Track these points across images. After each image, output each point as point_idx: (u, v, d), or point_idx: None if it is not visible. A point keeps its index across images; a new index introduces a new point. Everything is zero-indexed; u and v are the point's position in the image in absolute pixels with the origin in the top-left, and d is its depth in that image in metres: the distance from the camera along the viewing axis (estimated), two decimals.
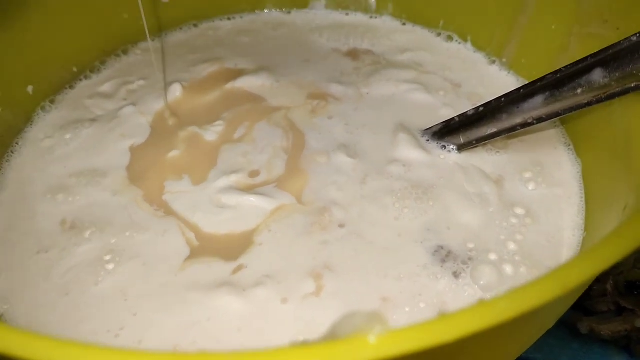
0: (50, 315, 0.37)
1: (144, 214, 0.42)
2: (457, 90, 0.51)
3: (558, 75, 0.39)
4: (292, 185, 0.44)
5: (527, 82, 0.50)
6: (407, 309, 0.36)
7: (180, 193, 0.44)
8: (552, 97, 0.40)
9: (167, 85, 0.53)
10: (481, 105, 0.43)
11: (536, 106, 0.40)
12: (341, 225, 0.41)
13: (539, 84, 0.40)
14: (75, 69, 0.54)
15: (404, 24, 0.60)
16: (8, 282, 0.39)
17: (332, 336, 0.22)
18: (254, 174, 0.45)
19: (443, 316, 0.19)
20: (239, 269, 0.38)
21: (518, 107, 0.41)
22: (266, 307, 0.36)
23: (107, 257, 0.39)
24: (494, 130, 0.43)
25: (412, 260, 0.38)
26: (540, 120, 0.40)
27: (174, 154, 0.47)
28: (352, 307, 0.36)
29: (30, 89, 0.50)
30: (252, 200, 0.42)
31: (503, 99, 0.42)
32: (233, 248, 0.40)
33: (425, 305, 0.36)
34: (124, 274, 0.39)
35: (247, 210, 0.42)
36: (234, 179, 0.44)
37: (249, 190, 0.43)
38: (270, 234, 0.41)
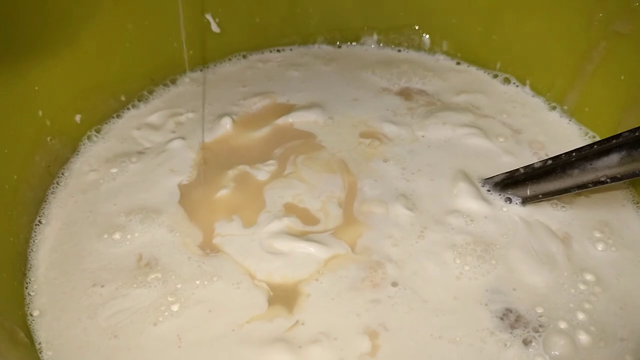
0: (99, 354, 0.36)
1: (211, 259, 0.41)
2: (517, 136, 0.49)
3: (636, 134, 0.37)
4: (346, 235, 0.42)
5: (590, 131, 0.50)
6: None
7: (230, 236, 0.42)
8: (629, 156, 0.37)
9: (217, 118, 0.52)
10: (550, 159, 0.41)
11: (611, 164, 0.38)
12: (394, 284, 0.39)
13: (614, 141, 0.38)
14: (123, 98, 0.54)
15: (458, 64, 0.58)
16: (55, 322, 0.38)
17: None
18: (306, 219, 0.43)
19: None
20: (294, 324, 0.36)
21: (591, 164, 0.39)
22: None
23: (172, 299, 0.38)
24: (563, 185, 0.40)
25: (476, 323, 0.36)
26: (615, 179, 0.38)
27: (223, 193, 0.45)
28: None
29: (78, 117, 0.49)
30: (306, 247, 0.40)
31: (574, 154, 0.40)
32: (286, 299, 0.38)
33: None
34: (186, 318, 0.37)
35: (299, 258, 0.40)
36: (286, 223, 0.42)
37: (301, 236, 0.42)
38: (320, 285, 0.39)
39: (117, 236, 0.42)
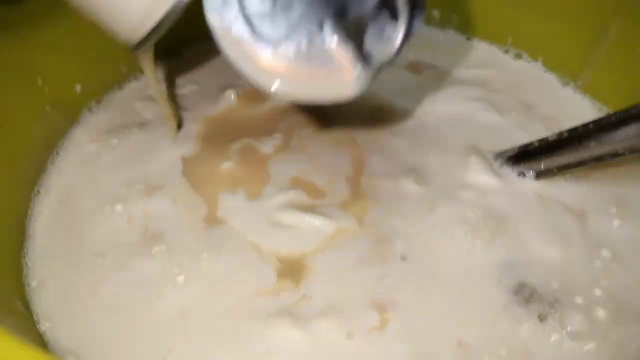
0: (100, 326, 0.35)
1: (216, 232, 0.39)
2: (529, 112, 0.48)
3: None
4: (353, 209, 0.41)
5: (605, 107, 0.48)
6: (486, 358, 0.32)
7: (235, 208, 0.41)
8: None
9: (220, 90, 0.50)
10: (565, 131, 0.40)
11: (630, 135, 0.37)
12: (403, 258, 0.38)
13: (634, 111, 0.37)
14: (124, 69, 0.52)
15: (468, 39, 0.57)
16: (53, 293, 0.37)
17: None
18: (313, 192, 0.42)
19: None
20: (301, 298, 0.35)
21: (609, 136, 0.38)
22: (329, 342, 0.33)
23: (177, 271, 0.37)
24: (579, 158, 0.39)
25: (489, 299, 0.35)
26: (633, 151, 0.37)
27: (227, 165, 0.44)
28: (424, 350, 0.33)
29: (78, 87, 0.48)
30: (313, 220, 0.39)
31: (591, 125, 0.38)
32: (293, 273, 0.37)
33: (506, 353, 0.33)
34: (192, 291, 0.36)
35: (305, 231, 0.39)
36: (292, 196, 0.41)
37: (308, 209, 0.40)
38: (326, 258, 0.38)
39: (119, 208, 0.41)
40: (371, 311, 0.35)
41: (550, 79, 0.52)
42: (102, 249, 0.39)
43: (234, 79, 0.52)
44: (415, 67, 0.53)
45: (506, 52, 0.54)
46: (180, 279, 0.37)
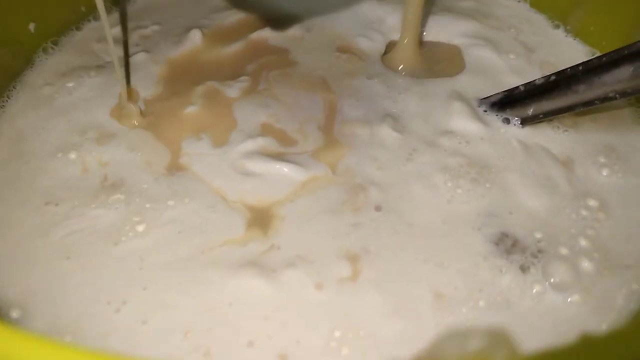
0: (48, 274, 0.32)
1: (180, 179, 0.37)
2: (529, 55, 0.45)
3: None
4: (325, 157, 0.38)
5: (597, 52, 0.46)
6: (464, 309, 0.30)
7: (199, 155, 0.38)
8: None
9: (185, 31, 0.47)
10: (553, 74, 0.37)
11: (621, 78, 0.34)
12: (377, 208, 0.35)
13: (626, 52, 0.34)
14: (83, 9, 0.48)
15: None
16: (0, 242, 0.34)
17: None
18: (282, 138, 0.39)
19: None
20: (269, 248, 0.33)
21: (599, 78, 0.35)
22: (298, 293, 0.31)
23: (137, 219, 0.34)
24: (567, 103, 0.37)
25: (468, 249, 0.33)
26: (624, 94, 0.34)
27: (191, 109, 0.41)
28: (398, 301, 0.31)
29: (32, 26, 0.44)
30: (282, 168, 0.37)
31: (581, 67, 0.36)
32: (261, 222, 0.34)
33: (485, 304, 0.31)
34: (152, 239, 0.33)
35: (274, 180, 0.36)
36: (260, 143, 0.38)
37: (277, 157, 0.38)
38: (296, 207, 0.35)
39: (72, 155, 0.38)
40: (343, 261, 0.33)
41: (541, 20, 0.49)
42: (55, 197, 0.36)
43: (200, 19, 0.49)
44: None
45: None
46: (140, 227, 0.34)
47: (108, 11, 0.49)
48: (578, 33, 0.47)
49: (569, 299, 0.31)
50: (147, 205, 0.35)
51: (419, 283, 0.32)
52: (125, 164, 0.37)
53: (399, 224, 0.34)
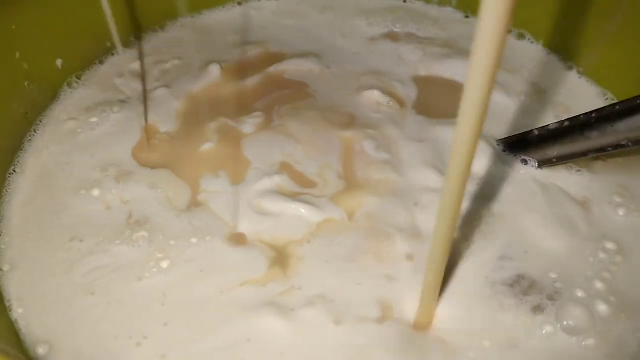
0: (73, 310, 0.33)
1: (201, 216, 0.38)
2: (540, 96, 0.46)
3: None
4: (345, 201, 0.39)
5: (608, 93, 0.46)
6: (472, 354, 0.31)
7: (216, 193, 0.39)
8: None
9: (204, 65, 0.48)
10: (566, 120, 0.38)
11: (634, 126, 0.35)
12: (409, 256, 0.35)
13: (639, 101, 0.35)
14: (108, 44, 0.50)
15: (467, 17, 0.54)
16: (26, 277, 0.35)
17: None
18: (298, 177, 0.40)
19: None
20: (289, 288, 0.34)
21: (612, 126, 0.36)
22: (316, 331, 0.32)
23: (161, 255, 0.35)
24: (580, 149, 0.37)
25: (480, 291, 0.34)
26: (637, 142, 0.35)
27: (207, 147, 0.42)
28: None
29: (59, 62, 0.46)
30: (299, 209, 0.37)
31: (594, 115, 0.36)
32: (278, 262, 0.35)
33: (490, 344, 0.31)
34: (174, 275, 0.34)
35: (291, 219, 0.37)
36: (277, 182, 0.39)
37: (294, 197, 0.38)
38: (313, 248, 0.36)
39: (95, 193, 0.39)
40: (371, 305, 0.33)
41: (554, 61, 0.49)
42: (80, 233, 0.37)
43: (219, 53, 0.50)
44: (392, 36, 0.52)
45: (509, 31, 0.52)
46: (164, 264, 0.35)
47: (129, 45, 0.51)
48: (591, 74, 0.47)
49: (584, 343, 0.32)
50: (172, 243, 0.36)
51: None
52: (147, 202, 0.38)
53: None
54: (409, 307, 0.33)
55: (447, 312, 0.33)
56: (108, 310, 0.33)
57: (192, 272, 0.35)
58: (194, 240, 0.36)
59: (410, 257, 0.35)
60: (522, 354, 0.31)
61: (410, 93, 0.47)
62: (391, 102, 0.45)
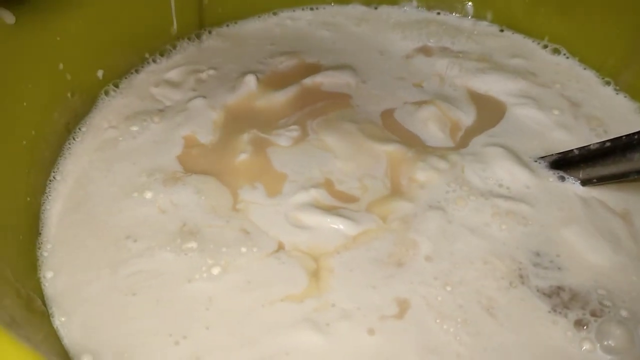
0: (111, 311, 0.34)
1: (245, 224, 0.38)
2: (575, 110, 0.46)
3: None
4: (380, 209, 0.39)
5: None
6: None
7: (255, 204, 0.39)
8: None
9: (240, 76, 0.49)
10: (608, 140, 0.37)
11: None
12: (428, 258, 0.36)
13: None
14: (147, 55, 0.50)
15: (501, 31, 0.54)
16: (69, 284, 0.36)
17: None
18: (335, 190, 0.40)
19: None
20: (323, 304, 0.34)
21: None
22: (350, 341, 0.33)
23: (211, 261, 0.36)
24: (621, 170, 0.37)
25: (519, 301, 0.34)
26: None
27: (242, 157, 0.42)
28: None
29: (100, 73, 0.46)
30: (336, 223, 0.38)
31: (636, 137, 0.36)
32: (314, 276, 0.36)
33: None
34: (225, 282, 0.35)
35: (327, 233, 0.38)
36: (313, 195, 0.40)
37: (330, 210, 0.39)
38: (345, 259, 0.36)
39: (148, 195, 0.40)
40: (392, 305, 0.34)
41: (591, 77, 0.49)
42: (135, 233, 0.38)
43: (254, 63, 0.50)
44: (425, 50, 0.52)
45: (544, 47, 0.52)
46: (215, 270, 0.36)
47: (167, 53, 0.51)
48: (628, 90, 0.47)
49: None
50: (223, 250, 0.36)
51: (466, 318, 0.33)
52: (195, 207, 0.39)
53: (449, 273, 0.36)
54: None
55: None
56: (155, 308, 0.34)
57: (240, 282, 0.35)
58: (243, 249, 0.37)
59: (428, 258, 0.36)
60: None
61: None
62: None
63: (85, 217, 0.39)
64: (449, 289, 0.35)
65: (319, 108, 0.47)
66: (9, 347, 0.20)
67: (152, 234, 0.37)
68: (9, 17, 0.36)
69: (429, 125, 0.45)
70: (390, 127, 0.45)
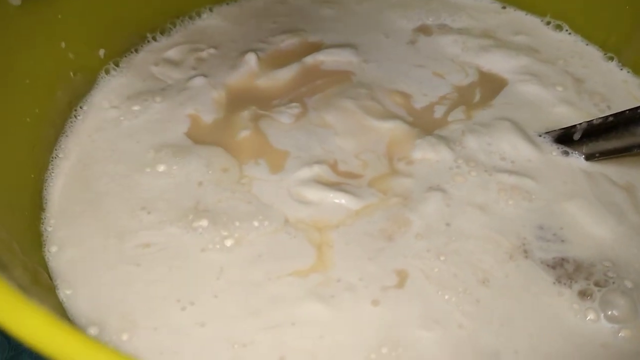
0: (117, 279, 0.35)
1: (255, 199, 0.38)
2: (579, 86, 0.46)
3: None
4: (381, 184, 0.39)
5: None
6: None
7: (258, 180, 0.40)
8: None
9: (240, 54, 0.48)
10: (611, 115, 0.37)
11: None
12: (418, 236, 0.36)
13: None
14: (148, 34, 0.50)
15: (503, 7, 0.54)
16: (74, 257, 0.36)
17: None
18: (336, 166, 0.40)
19: None
20: (327, 278, 0.35)
21: None
22: (354, 312, 0.33)
23: (225, 233, 0.36)
24: (624, 144, 0.37)
25: (521, 270, 0.35)
26: None
27: (245, 134, 0.42)
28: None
29: (101, 52, 0.46)
30: (339, 198, 0.38)
31: (639, 111, 0.36)
32: (319, 250, 0.36)
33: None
34: (237, 254, 0.36)
35: (329, 208, 0.38)
36: (316, 171, 0.40)
37: (333, 185, 0.39)
38: (348, 233, 0.37)
39: (161, 168, 0.40)
40: (392, 277, 0.35)
41: (594, 52, 0.49)
42: (148, 205, 0.38)
43: (255, 42, 0.50)
44: (424, 29, 0.52)
45: (547, 23, 0.51)
46: (229, 242, 0.36)
47: (167, 32, 0.51)
48: (632, 65, 0.47)
49: (620, 334, 0.32)
50: (237, 224, 0.37)
51: (465, 284, 0.34)
52: (205, 179, 0.39)
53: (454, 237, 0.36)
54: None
55: None
56: (166, 275, 0.35)
57: (252, 256, 0.36)
58: (255, 223, 0.37)
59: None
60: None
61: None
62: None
63: (84, 195, 0.39)
64: (442, 258, 0.35)
65: (319, 85, 0.46)
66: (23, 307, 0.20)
67: (167, 209, 0.38)
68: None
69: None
70: (390, 104, 0.45)
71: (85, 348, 0.19)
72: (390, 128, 0.42)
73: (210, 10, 0.53)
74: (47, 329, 0.20)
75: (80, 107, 0.44)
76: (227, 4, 0.54)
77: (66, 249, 0.36)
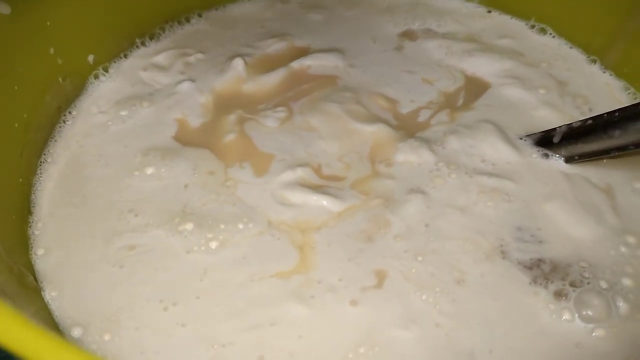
0: (100, 281, 0.36)
1: (238, 202, 0.39)
2: (561, 88, 0.46)
3: None
4: (363, 186, 0.40)
5: (631, 88, 0.46)
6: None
7: (243, 184, 0.40)
8: None
9: (228, 59, 0.49)
10: (590, 118, 0.38)
11: None
12: (397, 237, 0.37)
13: None
14: (137, 40, 0.51)
15: (489, 12, 0.54)
16: (60, 260, 0.37)
17: None
18: (320, 169, 0.41)
19: None
20: (308, 279, 0.35)
21: (634, 125, 0.36)
22: (333, 312, 0.34)
23: (210, 235, 0.37)
24: (602, 147, 0.38)
25: (497, 272, 0.35)
26: None
27: (230, 137, 0.43)
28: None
29: (91, 58, 0.47)
30: (321, 201, 0.39)
31: (617, 114, 0.37)
32: (301, 252, 0.37)
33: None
34: (222, 256, 0.36)
35: (312, 210, 0.38)
36: (300, 174, 0.40)
37: (316, 188, 0.39)
38: (331, 235, 0.37)
39: (149, 171, 0.41)
40: (371, 278, 0.35)
41: (577, 55, 0.49)
42: (138, 208, 0.39)
43: (242, 47, 0.50)
44: (409, 34, 0.52)
45: (532, 27, 0.52)
46: (214, 244, 0.37)
47: (155, 38, 0.51)
48: (614, 69, 0.47)
49: (594, 334, 0.33)
50: (222, 226, 0.37)
51: (443, 288, 0.35)
52: (192, 182, 0.40)
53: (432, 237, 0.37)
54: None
55: None
56: (151, 276, 0.35)
57: (236, 258, 0.36)
58: (240, 226, 0.38)
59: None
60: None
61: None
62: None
63: (81, 199, 0.40)
64: (420, 259, 0.36)
65: (306, 89, 0.47)
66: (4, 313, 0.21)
67: (153, 211, 0.38)
68: (4, 8, 0.37)
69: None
70: (375, 109, 0.45)
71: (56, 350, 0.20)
72: (373, 131, 0.43)
73: (199, 15, 0.54)
74: (22, 332, 0.20)
75: (69, 113, 0.45)
76: (216, 9, 0.54)
77: (53, 251, 0.37)
